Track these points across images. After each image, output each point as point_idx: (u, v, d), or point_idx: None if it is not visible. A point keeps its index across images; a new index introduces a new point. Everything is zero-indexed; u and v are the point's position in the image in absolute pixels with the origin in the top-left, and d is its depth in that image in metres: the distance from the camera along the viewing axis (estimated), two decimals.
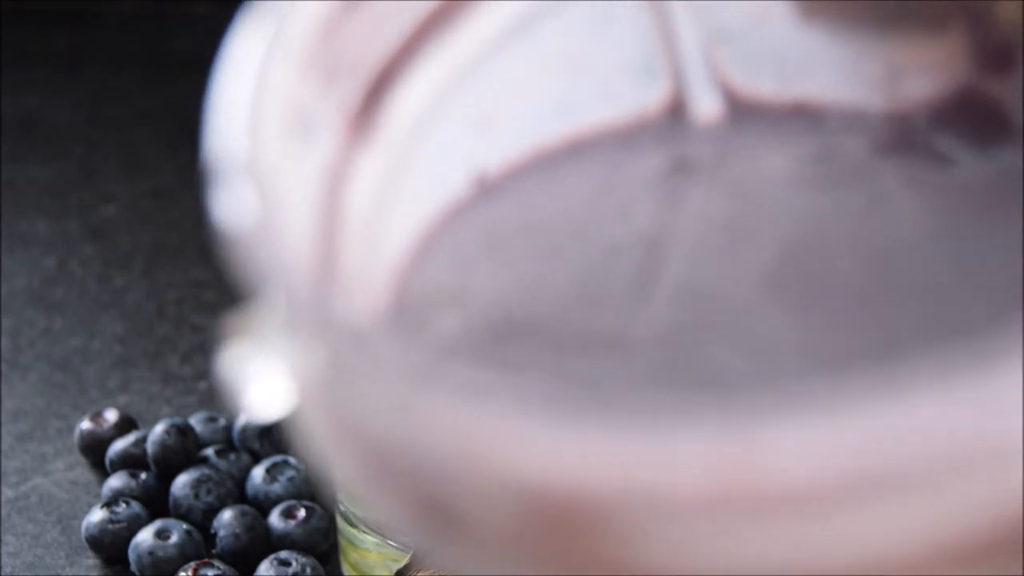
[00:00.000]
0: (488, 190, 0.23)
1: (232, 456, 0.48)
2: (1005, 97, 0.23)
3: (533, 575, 0.16)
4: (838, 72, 0.24)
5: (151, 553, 0.44)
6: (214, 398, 0.53)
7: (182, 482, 0.46)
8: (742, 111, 0.24)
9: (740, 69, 0.24)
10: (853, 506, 0.16)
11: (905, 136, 0.23)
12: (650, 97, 0.24)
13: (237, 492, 0.47)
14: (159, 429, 0.48)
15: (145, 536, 0.44)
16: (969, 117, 0.23)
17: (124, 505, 0.46)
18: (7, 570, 0.46)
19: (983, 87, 0.23)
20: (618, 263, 0.22)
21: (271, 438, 0.49)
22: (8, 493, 0.48)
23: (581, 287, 0.22)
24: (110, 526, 0.45)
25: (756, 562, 0.16)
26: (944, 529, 0.16)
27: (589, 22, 0.24)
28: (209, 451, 0.48)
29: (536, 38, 0.24)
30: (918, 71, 0.23)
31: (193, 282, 0.60)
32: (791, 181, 0.23)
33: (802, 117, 0.24)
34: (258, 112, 0.20)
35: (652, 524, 0.16)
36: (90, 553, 0.46)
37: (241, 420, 0.49)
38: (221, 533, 0.45)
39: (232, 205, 0.19)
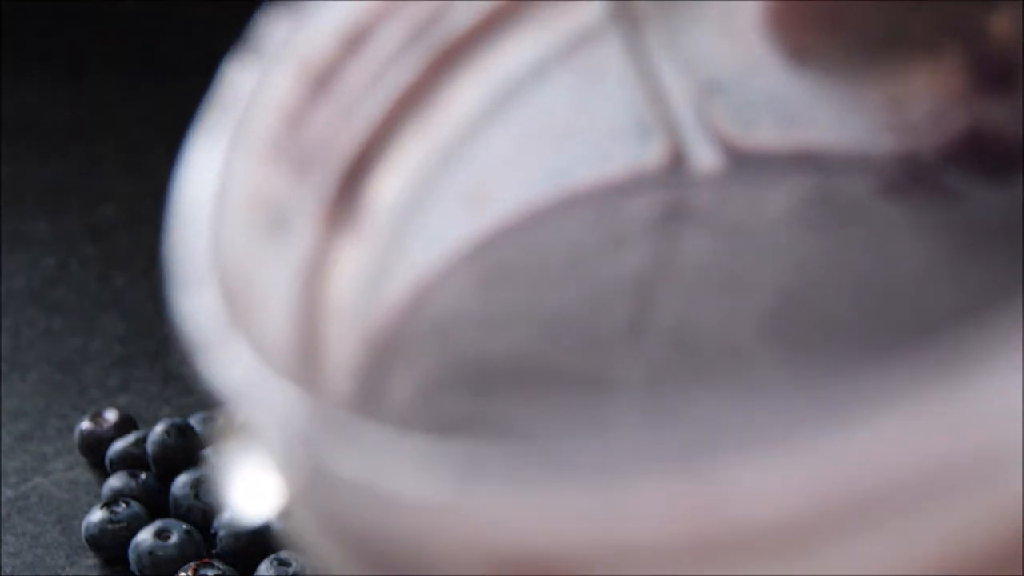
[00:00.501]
0: (478, 251, 0.23)
1: None
2: (1010, 120, 0.22)
3: None
4: (838, 113, 0.23)
5: (151, 553, 0.44)
6: (214, 398, 0.53)
7: (182, 482, 0.46)
8: (741, 160, 0.24)
9: (736, 120, 0.24)
10: (830, 538, 0.15)
11: (910, 173, 0.23)
12: (646, 154, 0.24)
13: None
14: (159, 429, 0.48)
15: (145, 536, 0.44)
16: (975, 146, 0.22)
17: (124, 505, 0.46)
18: (7, 570, 0.46)
19: (987, 112, 0.22)
20: (607, 304, 0.22)
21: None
22: (8, 493, 0.48)
23: (566, 328, 0.22)
24: (110, 526, 0.45)
25: None
26: (930, 554, 0.15)
27: (573, 87, 0.24)
28: (209, 451, 0.48)
29: (520, 110, 0.24)
30: (919, 102, 0.23)
31: None
32: (789, 224, 0.23)
33: (803, 162, 0.23)
34: (224, 210, 0.19)
35: None
36: (90, 553, 0.46)
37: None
38: (221, 533, 0.45)
39: (198, 312, 0.18)
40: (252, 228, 0.20)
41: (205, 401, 0.53)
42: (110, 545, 0.45)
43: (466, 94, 0.23)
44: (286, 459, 0.17)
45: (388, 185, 0.23)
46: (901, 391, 0.15)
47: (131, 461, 0.48)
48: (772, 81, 0.24)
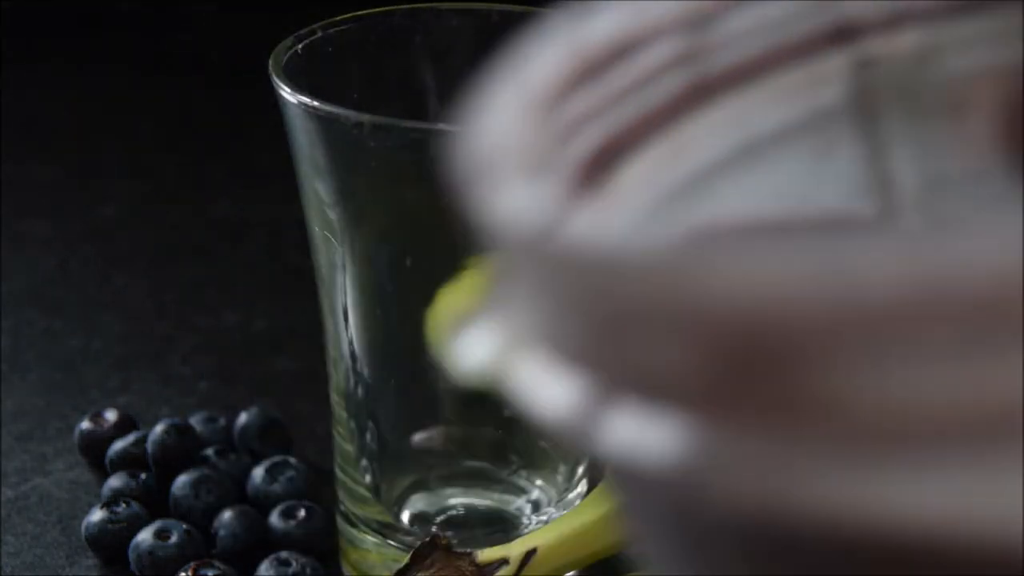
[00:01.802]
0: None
1: (232, 456, 0.48)
2: None
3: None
4: None
5: (151, 553, 0.44)
6: (214, 398, 0.53)
7: (182, 482, 0.46)
8: None
9: (951, 207, 0.26)
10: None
11: None
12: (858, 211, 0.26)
13: (237, 492, 0.47)
14: (159, 429, 0.48)
15: (145, 536, 0.44)
16: None
17: (124, 505, 0.46)
18: (7, 570, 0.46)
19: None
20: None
21: (270, 437, 0.49)
22: (8, 493, 0.48)
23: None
24: (110, 526, 0.45)
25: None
26: None
27: (806, 156, 0.26)
28: (209, 451, 0.48)
29: (756, 164, 0.26)
30: None
31: (193, 282, 0.60)
32: None
33: None
34: (504, 132, 0.21)
35: (852, 342, 0.16)
36: (90, 553, 0.46)
37: (242, 419, 0.49)
38: (221, 533, 0.45)
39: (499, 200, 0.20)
40: (517, 167, 0.21)
41: (205, 400, 0.53)
42: (110, 545, 0.45)
43: (710, 132, 0.25)
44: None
45: (627, 178, 0.24)
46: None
47: (131, 461, 0.48)
48: (995, 186, 0.26)
